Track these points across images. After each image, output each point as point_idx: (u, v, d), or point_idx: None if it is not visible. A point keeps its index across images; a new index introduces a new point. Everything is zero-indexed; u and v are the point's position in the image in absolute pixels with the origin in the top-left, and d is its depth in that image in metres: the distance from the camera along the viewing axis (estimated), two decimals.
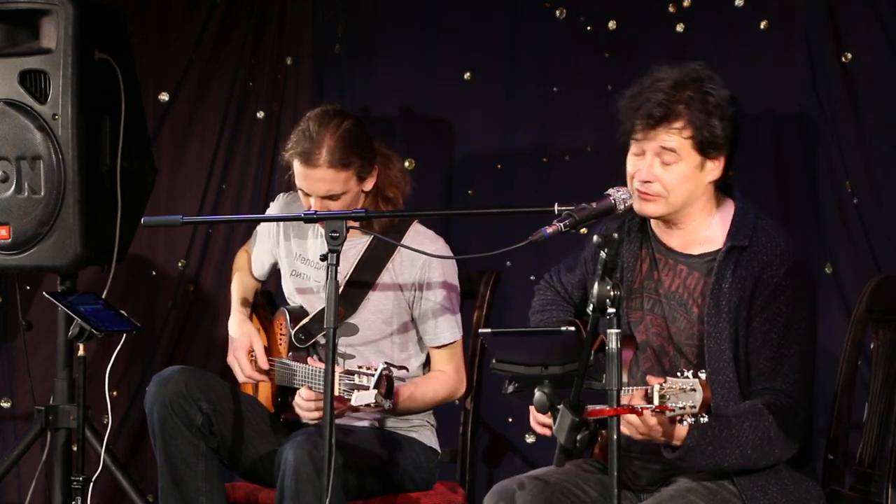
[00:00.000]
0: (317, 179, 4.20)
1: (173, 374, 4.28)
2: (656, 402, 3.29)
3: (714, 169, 3.69)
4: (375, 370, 3.95)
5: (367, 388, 3.93)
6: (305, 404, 4.18)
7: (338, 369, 3.89)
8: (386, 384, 3.95)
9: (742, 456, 3.55)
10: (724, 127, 3.65)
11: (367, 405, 3.93)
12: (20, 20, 4.78)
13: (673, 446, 3.51)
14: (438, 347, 4.37)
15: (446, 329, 4.35)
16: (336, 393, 3.86)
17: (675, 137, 3.64)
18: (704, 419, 3.28)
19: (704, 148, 3.64)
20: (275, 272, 4.60)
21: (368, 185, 4.30)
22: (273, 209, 4.58)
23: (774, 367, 3.60)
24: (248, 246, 4.69)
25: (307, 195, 4.25)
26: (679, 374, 3.30)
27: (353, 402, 3.94)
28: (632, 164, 3.71)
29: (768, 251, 3.66)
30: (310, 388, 4.18)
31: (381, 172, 4.34)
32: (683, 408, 3.26)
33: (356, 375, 3.96)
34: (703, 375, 3.28)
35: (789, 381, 3.60)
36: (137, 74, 4.93)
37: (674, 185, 3.66)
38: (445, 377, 4.37)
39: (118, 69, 4.79)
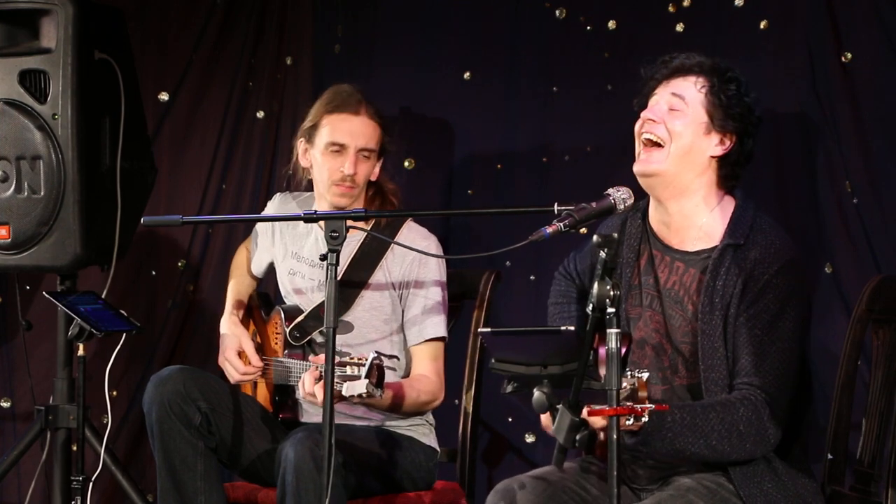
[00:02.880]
0: (360, 127, 4.31)
1: (172, 374, 4.27)
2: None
3: (717, 144, 3.71)
4: (366, 360, 3.94)
5: (357, 378, 3.92)
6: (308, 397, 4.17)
7: None
8: (377, 374, 3.93)
9: (707, 446, 3.55)
10: (737, 103, 3.70)
11: (360, 395, 3.91)
12: (20, 20, 4.78)
13: (632, 432, 3.51)
14: (421, 344, 4.36)
15: (431, 325, 4.34)
16: None
17: (689, 87, 3.71)
18: (645, 419, 3.28)
19: (713, 109, 3.68)
20: (272, 270, 4.60)
21: (378, 168, 4.36)
22: (270, 209, 4.59)
23: (755, 364, 3.60)
24: (248, 243, 4.69)
25: (338, 152, 4.29)
26: (626, 374, 3.31)
27: (345, 393, 3.91)
28: (639, 121, 3.74)
29: (762, 248, 3.66)
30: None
31: (381, 171, 4.40)
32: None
33: (347, 367, 3.94)
34: (643, 375, 3.31)
35: (768, 378, 3.60)
36: (137, 74, 4.93)
37: (677, 130, 3.69)
38: (428, 381, 4.34)
39: (118, 69, 4.79)
